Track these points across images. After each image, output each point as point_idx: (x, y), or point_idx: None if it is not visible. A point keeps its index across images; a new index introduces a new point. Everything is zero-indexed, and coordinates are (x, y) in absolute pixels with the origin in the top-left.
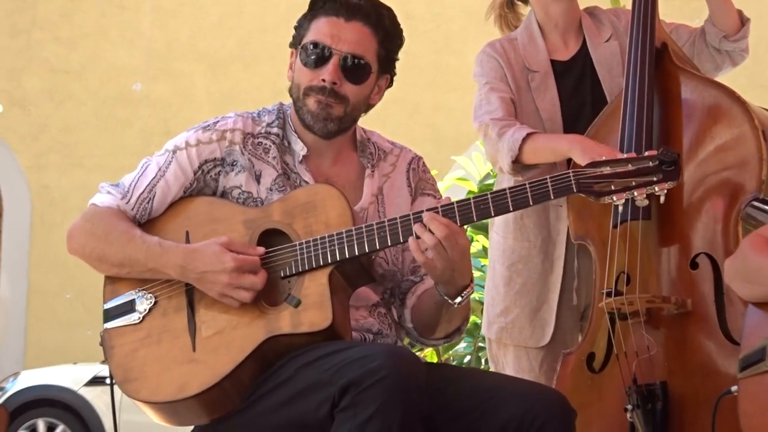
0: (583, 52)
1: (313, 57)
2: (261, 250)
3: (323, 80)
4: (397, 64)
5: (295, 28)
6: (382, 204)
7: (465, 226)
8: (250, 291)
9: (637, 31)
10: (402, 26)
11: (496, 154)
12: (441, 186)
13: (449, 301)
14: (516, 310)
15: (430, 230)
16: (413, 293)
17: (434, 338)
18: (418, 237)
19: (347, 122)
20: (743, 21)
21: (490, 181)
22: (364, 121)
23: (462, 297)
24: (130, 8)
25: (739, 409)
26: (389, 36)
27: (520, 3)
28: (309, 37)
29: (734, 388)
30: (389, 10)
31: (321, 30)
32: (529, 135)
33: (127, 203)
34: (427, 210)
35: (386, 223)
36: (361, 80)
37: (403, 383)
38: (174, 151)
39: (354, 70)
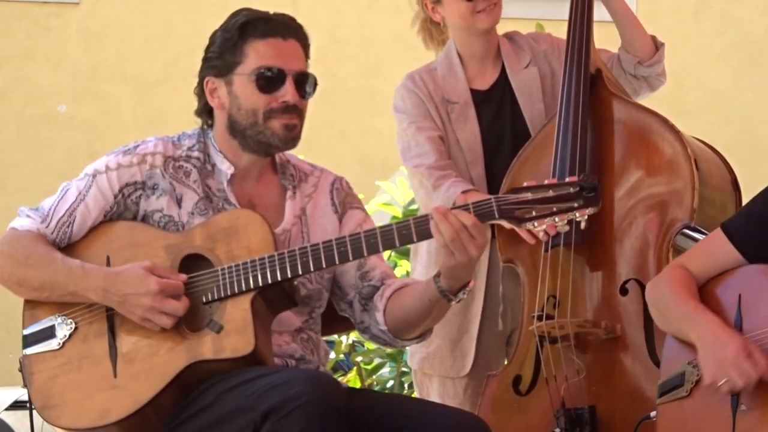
0: (503, 80)
1: (267, 81)
2: (183, 276)
3: (284, 102)
4: (326, 88)
5: (218, 54)
6: (306, 225)
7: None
8: (172, 316)
9: (572, 57)
10: (330, 50)
11: (430, 204)
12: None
13: (450, 296)
14: (437, 340)
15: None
16: (382, 296)
17: (410, 338)
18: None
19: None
20: (657, 46)
21: (415, 206)
22: None
23: (463, 294)
24: (56, 30)
25: None
26: (309, 48)
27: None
28: (253, 62)
29: (653, 413)
30: (298, 22)
31: (265, 53)
32: (464, 192)
33: (46, 227)
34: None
35: (309, 248)
36: (311, 94)
37: (323, 408)
38: (94, 175)
39: (306, 85)
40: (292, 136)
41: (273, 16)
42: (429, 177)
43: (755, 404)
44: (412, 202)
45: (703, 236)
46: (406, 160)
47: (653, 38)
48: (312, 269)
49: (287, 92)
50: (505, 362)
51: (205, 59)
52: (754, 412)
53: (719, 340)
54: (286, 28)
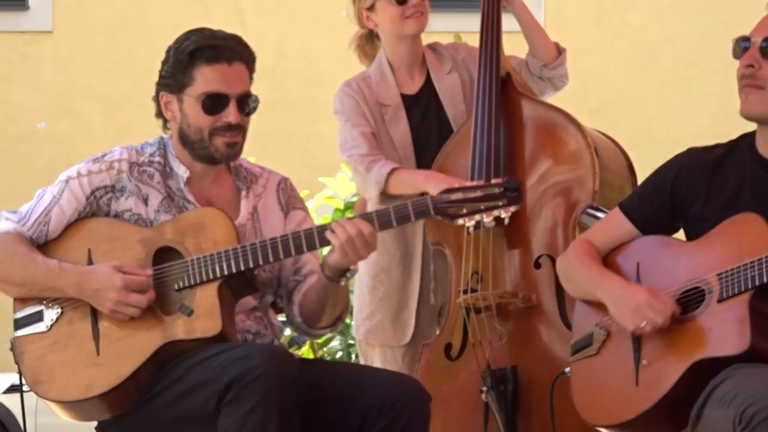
0: (428, 85)
1: (211, 105)
2: (149, 272)
3: (227, 122)
4: (274, 99)
5: (170, 74)
6: (258, 221)
7: None
8: (137, 308)
9: (485, 63)
10: (276, 66)
11: (365, 186)
12: (312, 204)
13: (337, 280)
14: (380, 314)
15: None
16: (299, 291)
17: (321, 326)
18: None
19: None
20: (560, 51)
21: (355, 199)
22: (247, 149)
23: (346, 277)
24: (33, 56)
25: (571, 388)
26: (254, 64)
27: (376, 38)
28: (200, 87)
29: (567, 369)
30: (244, 41)
31: (211, 79)
32: (393, 170)
33: (23, 226)
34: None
35: (268, 242)
36: (254, 109)
37: (279, 378)
38: (67, 181)
39: (248, 105)
40: (233, 153)
41: (220, 41)
42: (362, 162)
43: (654, 358)
44: (354, 195)
45: (604, 214)
46: (343, 152)
47: (556, 44)
48: (271, 260)
49: (230, 114)
50: (437, 332)
51: (160, 75)
52: (653, 365)
53: (627, 290)
54: (231, 52)
